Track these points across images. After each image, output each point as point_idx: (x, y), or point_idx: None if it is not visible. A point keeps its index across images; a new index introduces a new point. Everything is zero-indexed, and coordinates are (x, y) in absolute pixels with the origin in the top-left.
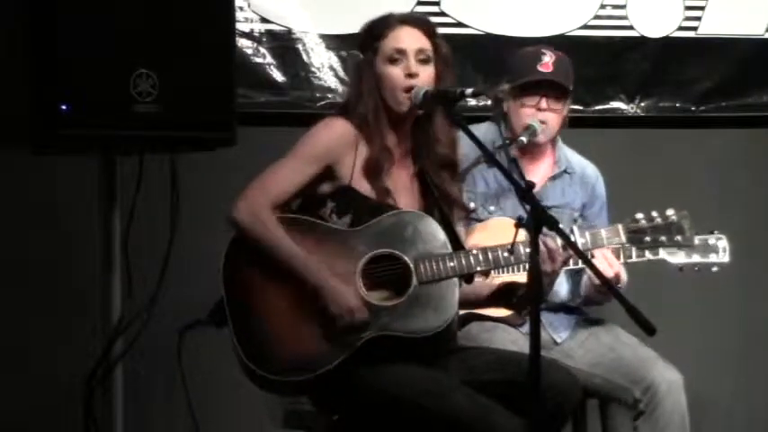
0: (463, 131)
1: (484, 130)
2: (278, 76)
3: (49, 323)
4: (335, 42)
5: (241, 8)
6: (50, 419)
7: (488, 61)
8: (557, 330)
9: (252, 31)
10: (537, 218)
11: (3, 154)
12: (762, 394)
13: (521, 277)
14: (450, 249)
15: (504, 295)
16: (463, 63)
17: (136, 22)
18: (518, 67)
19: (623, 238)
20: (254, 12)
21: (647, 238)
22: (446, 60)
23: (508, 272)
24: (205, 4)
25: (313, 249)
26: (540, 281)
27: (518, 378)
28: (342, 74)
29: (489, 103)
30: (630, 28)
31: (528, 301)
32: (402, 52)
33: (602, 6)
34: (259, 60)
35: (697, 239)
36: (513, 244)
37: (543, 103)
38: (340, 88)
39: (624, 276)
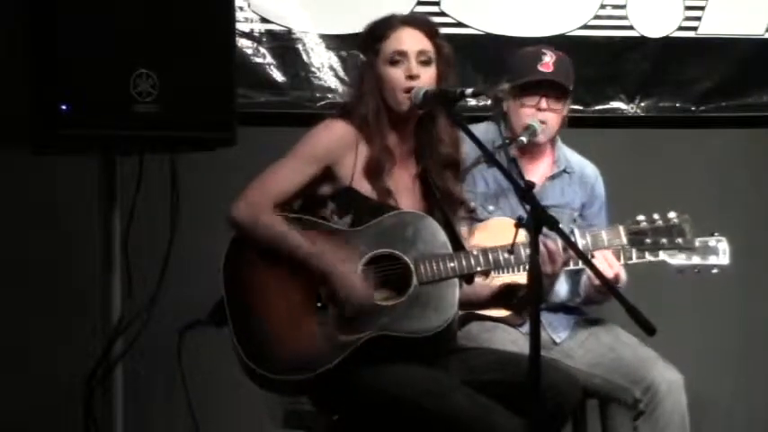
0: (463, 131)
1: (483, 130)
2: (278, 76)
3: (49, 323)
4: (335, 42)
5: (241, 8)
6: (50, 419)
7: (488, 61)
8: (556, 330)
9: (252, 31)
10: (537, 218)
11: (3, 154)
12: (762, 394)
13: (521, 277)
14: (450, 250)
15: (504, 296)
16: (463, 63)
17: (136, 22)
18: (518, 66)
19: (624, 240)
20: (254, 12)
21: (648, 240)
22: (448, 61)
23: (508, 272)
24: (205, 4)
25: None
26: (540, 281)
27: (518, 378)
28: (342, 74)
29: (489, 102)
30: (630, 28)
31: (528, 301)
32: (403, 54)
33: (602, 6)
34: (259, 60)
35: (697, 241)
36: (513, 244)
37: (543, 103)
38: (340, 88)
39: (624, 277)
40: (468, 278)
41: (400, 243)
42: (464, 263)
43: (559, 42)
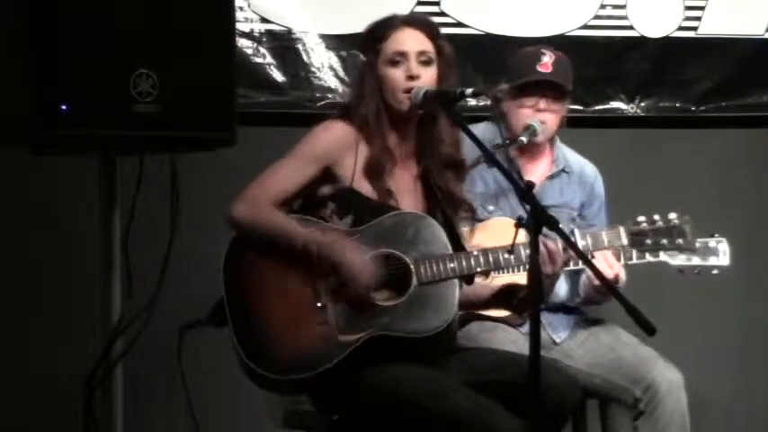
0: (463, 131)
1: (482, 130)
2: (278, 76)
3: (49, 323)
4: (335, 42)
5: (241, 8)
6: (50, 419)
7: (488, 61)
8: (556, 330)
9: (252, 31)
10: (537, 218)
11: (3, 154)
12: (762, 394)
13: (521, 277)
14: (450, 250)
15: (504, 297)
16: (463, 63)
17: (136, 22)
18: (517, 67)
19: (624, 241)
20: (254, 12)
21: (649, 241)
22: (449, 61)
23: (508, 272)
24: (205, 4)
25: None
26: (540, 281)
27: (518, 379)
28: (342, 74)
29: (489, 102)
30: (630, 28)
31: (528, 302)
32: (403, 54)
33: (602, 6)
34: (259, 60)
35: (697, 242)
36: (513, 245)
37: (542, 104)
38: (340, 88)
39: (623, 277)
40: (468, 279)
41: (400, 243)
42: (464, 263)
43: (559, 42)
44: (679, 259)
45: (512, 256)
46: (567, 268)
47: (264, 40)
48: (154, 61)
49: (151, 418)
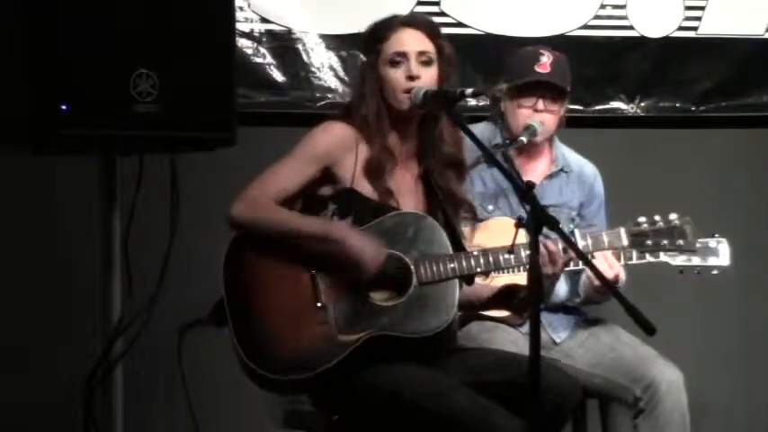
0: (463, 131)
1: (481, 130)
2: (278, 76)
3: (49, 323)
4: (335, 42)
5: (241, 8)
6: (50, 419)
7: (488, 61)
8: (556, 330)
9: (252, 31)
10: (537, 218)
11: (3, 154)
12: (762, 394)
13: (521, 277)
14: (450, 251)
15: (504, 297)
16: (463, 63)
17: (136, 22)
18: (516, 67)
19: (625, 242)
20: (254, 12)
21: (649, 242)
22: (449, 61)
23: (508, 272)
24: (205, 4)
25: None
26: (540, 281)
27: (518, 379)
28: (342, 74)
29: (488, 102)
30: (630, 28)
31: (528, 302)
32: (403, 55)
33: (602, 6)
34: (259, 60)
35: (698, 243)
36: (514, 245)
37: (540, 104)
38: (340, 88)
39: (623, 277)
40: (468, 279)
41: (400, 243)
42: (464, 264)
43: (559, 42)
44: (679, 259)
45: (512, 257)
46: (567, 269)
47: (264, 40)
48: (154, 61)
49: (151, 418)
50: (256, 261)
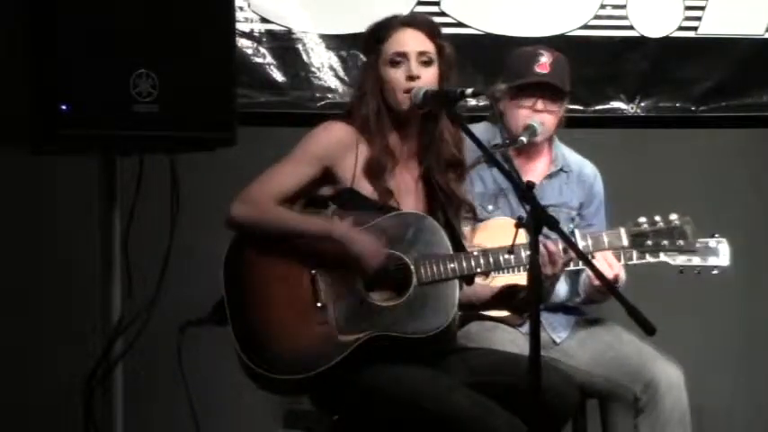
0: (463, 131)
1: (482, 130)
2: (278, 76)
3: (49, 323)
4: (335, 42)
5: (241, 8)
6: (50, 419)
7: (488, 61)
8: (556, 330)
9: (252, 31)
10: (537, 218)
11: (3, 154)
12: (762, 394)
13: (521, 277)
14: (450, 251)
15: (505, 297)
16: (463, 63)
17: (136, 22)
18: (515, 67)
19: (625, 242)
20: (254, 12)
21: (649, 242)
22: (449, 61)
23: (508, 272)
24: (205, 4)
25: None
26: (539, 281)
27: (518, 379)
28: (342, 74)
29: (488, 102)
30: (630, 28)
31: (529, 303)
32: (403, 55)
33: (602, 6)
34: (259, 60)
35: (698, 243)
36: (514, 245)
37: (540, 104)
38: (340, 88)
39: (623, 277)
40: (468, 279)
41: (401, 244)
42: (464, 264)
43: (559, 42)
44: (679, 259)
45: (512, 257)
46: (567, 269)
47: (264, 40)
48: (154, 61)
49: (151, 418)
50: (256, 261)
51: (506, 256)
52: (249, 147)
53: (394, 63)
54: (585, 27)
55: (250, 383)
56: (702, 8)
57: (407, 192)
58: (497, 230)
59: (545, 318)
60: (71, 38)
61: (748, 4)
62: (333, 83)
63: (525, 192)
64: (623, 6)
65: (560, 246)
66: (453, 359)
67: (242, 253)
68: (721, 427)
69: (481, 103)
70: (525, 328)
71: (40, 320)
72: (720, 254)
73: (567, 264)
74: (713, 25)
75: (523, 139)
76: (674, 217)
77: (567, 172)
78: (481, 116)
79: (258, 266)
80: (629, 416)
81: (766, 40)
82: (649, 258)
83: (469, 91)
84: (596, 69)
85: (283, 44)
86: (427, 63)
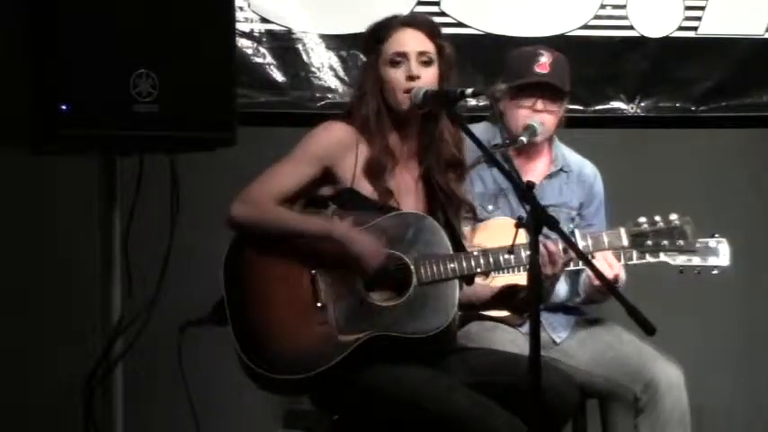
0: (464, 131)
1: (482, 130)
2: (278, 76)
3: (49, 323)
4: (335, 42)
5: (241, 8)
6: (50, 419)
7: (488, 61)
8: (556, 330)
9: (252, 31)
10: (537, 218)
11: (3, 154)
12: (762, 394)
13: (521, 277)
14: (450, 251)
15: (505, 298)
16: (463, 63)
17: (136, 22)
18: (515, 67)
19: (625, 242)
20: (254, 12)
21: (649, 242)
22: (449, 61)
23: (508, 272)
24: (205, 4)
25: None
26: (539, 281)
27: (518, 379)
28: (342, 74)
29: (488, 102)
30: (630, 28)
31: (529, 303)
32: (403, 55)
33: (602, 6)
34: (259, 60)
35: (698, 243)
36: (514, 245)
37: (539, 105)
38: (340, 88)
39: (623, 276)
40: (468, 279)
41: (401, 244)
42: (464, 264)
43: (559, 42)
44: (679, 259)
45: (512, 257)
46: (567, 269)
47: (264, 40)
48: (154, 61)
49: (151, 418)
50: (256, 261)
51: (506, 257)
52: (249, 147)
53: (394, 63)
54: (585, 27)
55: (250, 383)
56: (702, 8)
57: (407, 192)
58: (497, 230)
59: (545, 318)
60: (71, 38)
61: (748, 4)
62: (333, 83)
63: (525, 192)
64: (623, 6)
65: (560, 246)
66: (453, 359)
67: (242, 253)
68: (721, 427)
69: (481, 103)
70: (525, 328)
71: (40, 320)
72: (720, 254)
73: (567, 264)
74: (713, 25)
75: (523, 139)
76: (674, 217)
77: (567, 172)
78: (481, 116)
79: (258, 266)
80: (629, 416)
81: (766, 40)
82: (649, 258)
83: (469, 91)
84: (596, 69)
85: (283, 44)
86: (427, 63)
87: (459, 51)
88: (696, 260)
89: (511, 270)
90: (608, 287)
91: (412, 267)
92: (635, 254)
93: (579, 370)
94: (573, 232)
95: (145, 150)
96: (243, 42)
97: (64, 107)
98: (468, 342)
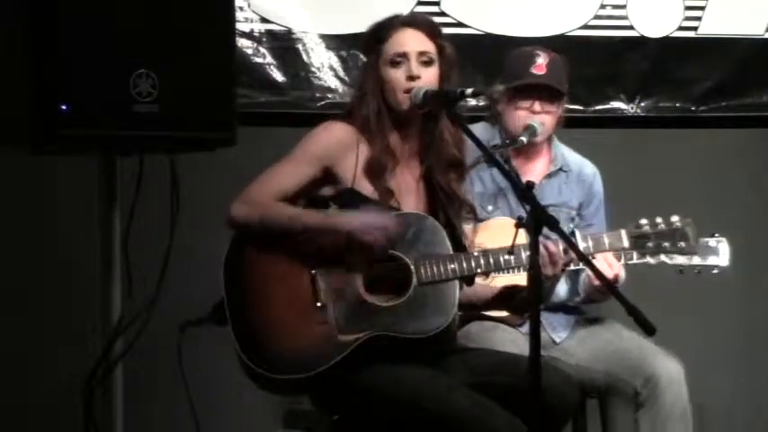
0: (463, 131)
1: (480, 130)
2: (278, 76)
3: (49, 323)
4: (335, 42)
5: (241, 8)
6: (50, 419)
7: (488, 61)
8: (556, 330)
9: (252, 31)
10: (537, 218)
11: (3, 154)
12: (762, 394)
13: (521, 278)
14: (451, 251)
15: (505, 298)
16: (463, 63)
17: (136, 22)
18: (512, 68)
19: (626, 244)
20: (254, 12)
21: (650, 244)
22: (450, 61)
23: (509, 272)
24: (205, 4)
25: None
26: (539, 281)
27: (518, 379)
28: (342, 74)
29: (486, 102)
30: (630, 28)
31: (529, 303)
32: (404, 55)
33: (602, 6)
34: (259, 60)
35: (698, 242)
36: (514, 245)
37: (537, 106)
38: (340, 88)
39: (623, 276)
40: (468, 279)
41: (401, 244)
42: (464, 264)
43: (559, 42)
44: (679, 259)
45: (512, 258)
46: (567, 269)
47: (264, 40)
48: (154, 61)
49: (151, 418)
50: (256, 261)
51: (506, 257)
52: (249, 147)
53: (394, 63)
54: (585, 27)
55: (250, 383)
56: (702, 8)
57: (408, 192)
58: (497, 230)
59: (545, 318)
60: (71, 38)
61: (748, 4)
62: (333, 83)
63: (525, 192)
64: (623, 6)
65: (561, 247)
66: (453, 359)
67: (242, 253)
68: (721, 426)
69: (481, 103)
70: (525, 328)
71: (40, 320)
72: (720, 253)
73: (567, 265)
74: (713, 25)
75: (523, 139)
76: (675, 219)
77: (567, 172)
78: (480, 116)
79: (258, 266)
80: (629, 410)
81: (766, 40)
82: (649, 259)
83: (469, 91)
84: (596, 69)
85: (283, 44)
86: (427, 63)
87: (459, 51)
88: (696, 259)
89: (511, 270)
90: (608, 287)
91: (412, 267)
92: (635, 254)
93: (579, 367)
94: (573, 232)
95: (145, 150)
96: (243, 42)
97: (64, 107)
98: (469, 342)
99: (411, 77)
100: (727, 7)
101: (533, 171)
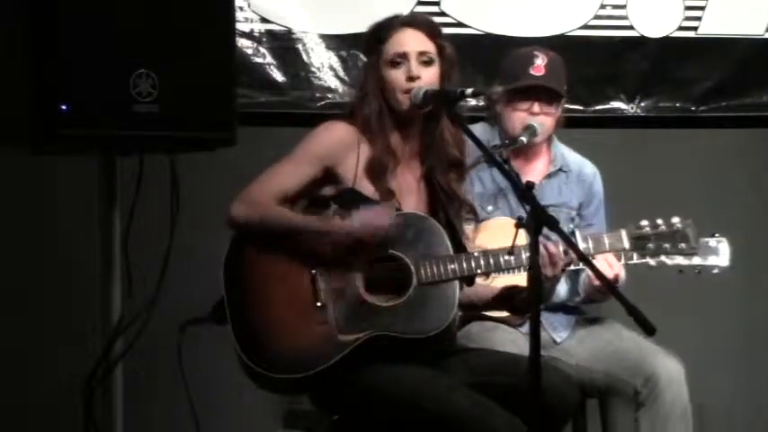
0: (464, 131)
1: (479, 131)
2: (278, 76)
3: (49, 323)
4: (335, 42)
5: (241, 8)
6: (50, 419)
7: (488, 61)
8: (556, 330)
9: (252, 31)
10: (537, 218)
11: (3, 154)
12: (762, 394)
13: (521, 278)
14: (451, 251)
15: (505, 298)
16: (463, 63)
17: (136, 22)
18: (510, 70)
19: (626, 244)
20: (254, 12)
21: (651, 245)
22: (450, 61)
23: (508, 272)
24: (205, 4)
25: None
26: (540, 281)
27: (518, 379)
28: (342, 74)
29: (486, 103)
30: (630, 28)
31: (529, 303)
32: (404, 55)
33: (602, 6)
34: (259, 60)
35: (698, 243)
36: (514, 245)
37: (536, 107)
38: (340, 88)
39: (623, 276)
40: (468, 280)
41: (401, 244)
42: (464, 265)
43: (559, 42)
44: (679, 259)
45: (512, 258)
46: (567, 269)
47: (264, 40)
48: (154, 61)
49: (151, 418)
50: (256, 261)
51: (507, 257)
52: (249, 147)
53: (394, 63)
54: (585, 27)
55: (250, 383)
56: (702, 8)
57: (409, 192)
58: (497, 231)
59: (545, 318)
60: (71, 38)
61: (748, 4)
62: (333, 83)
63: (525, 192)
64: (623, 6)
65: (561, 247)
66: (453, 359)
67: (242, 253)
68: (721, 426)
69: (482, 103)
70: (525, 328)
71: (40, 320)
72: (720, 253)
73: (567, 265)
74: (713, 25)
75: (523, 139)
76: (675, 220)
77: (567, 172)
78: (478, 117)
79: (258, 266)
80: (630, 410)
81: (766, 40)
82: (649, 260)
83: (469, 91)
84: (596, 69)
85: (283, 44)
86: (428, 63)
87: (459, 51)
88: (696, 259)
89: (511, 271)
90: (608, 287)
91: (412, 267)
92: (635, 254)
93: (579, 367)
94: (573, 232)
95: (145, 150)
96: (243, 42)
97: (64, 107)
98: (469, 342)
99: (411, 77)
100: (727, 7)
101: (533, 171)
